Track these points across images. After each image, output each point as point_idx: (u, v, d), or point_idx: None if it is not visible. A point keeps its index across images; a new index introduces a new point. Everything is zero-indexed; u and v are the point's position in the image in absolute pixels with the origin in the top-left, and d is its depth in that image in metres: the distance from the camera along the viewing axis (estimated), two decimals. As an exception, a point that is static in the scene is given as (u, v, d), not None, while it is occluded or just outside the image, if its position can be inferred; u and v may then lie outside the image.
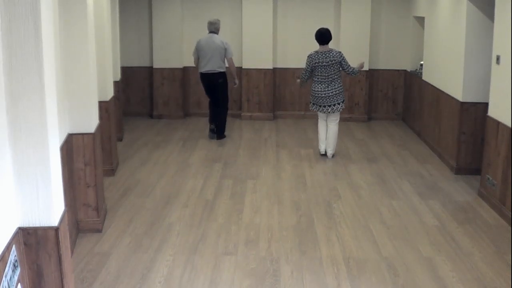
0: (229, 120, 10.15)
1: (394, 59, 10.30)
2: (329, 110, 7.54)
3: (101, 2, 6.44)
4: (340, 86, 7.55)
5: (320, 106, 7.56)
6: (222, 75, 8.54)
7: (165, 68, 10.22)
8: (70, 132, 5.02)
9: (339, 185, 6.66)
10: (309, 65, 7.52)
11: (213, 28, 8.53)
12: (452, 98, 7.28)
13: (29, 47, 2.57)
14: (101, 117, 5.82)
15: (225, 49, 8.44)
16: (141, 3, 10.24)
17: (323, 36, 7.51)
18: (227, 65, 8.63)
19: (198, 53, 8.53)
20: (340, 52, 7.52)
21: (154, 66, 10.26)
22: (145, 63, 10.42)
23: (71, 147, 5.03)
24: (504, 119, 5.71)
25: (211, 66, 8.46)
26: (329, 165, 7.47)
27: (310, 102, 7.73)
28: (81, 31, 4.92)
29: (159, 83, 10.28)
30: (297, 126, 9.76)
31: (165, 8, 10.10)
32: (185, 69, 10.33)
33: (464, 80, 6.89)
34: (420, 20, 9.63)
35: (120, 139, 8.46)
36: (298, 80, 7.99)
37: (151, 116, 10.40)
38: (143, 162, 7.56)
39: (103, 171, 5.87)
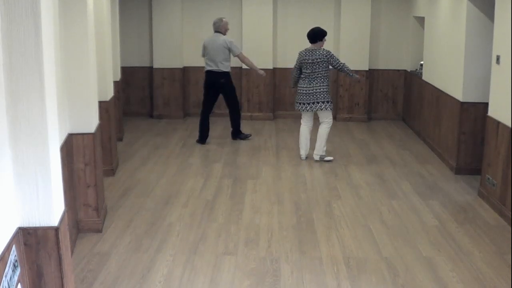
0: (229, 120, 10.14)
1: (394, 59, 10.31)
2: (311, 108, 7.48)
3: (101, 2, 6.44)
4: (324, 85, 7.46)
5: (302, 104, 7.53)
6: (224, 74, 8.40)
7: (165, 68, 10.22)
8: (70, 132, 5.02)
9: (339, 185, 6.67)
10: (297, 62, 7.61)
11: (216, 27, 8.44)
12: (452, 98, 7.28)
13: (29, 47, 2.56)
14: (101, 117, 5.82)
15: (229, 48, 8.32)
16: (141, 3, 10.23)
17: (310, 35, 7.58)
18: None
19: (204, 53, 8.46)
20: (328, 51, 7.46)
21: (154, 66, 10.25)
22: (145, 63, 10.41)
23: (71, 147, 5.03)
24: (504, 119, 5.71)
25: (214, 65, 8.37)
26: (329, 165, 7.47)
27: (295, 101, 7.68)
28: (81, 31, 4.92)
29: (159, 83, 10.28)
30: (297, 126, 9.66)
31: (165, 8, 10.09)
32: (185, 69, 10.33)
33: (464, 80, 6.89)
34: (420, 20, 9.63)
35: (120, 139, 8.46)
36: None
37: (151, 116, 10.40)
38: (143, 162, 7.56)
39: (103, 171, 5.87)
